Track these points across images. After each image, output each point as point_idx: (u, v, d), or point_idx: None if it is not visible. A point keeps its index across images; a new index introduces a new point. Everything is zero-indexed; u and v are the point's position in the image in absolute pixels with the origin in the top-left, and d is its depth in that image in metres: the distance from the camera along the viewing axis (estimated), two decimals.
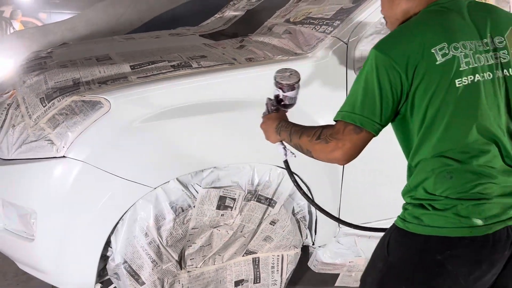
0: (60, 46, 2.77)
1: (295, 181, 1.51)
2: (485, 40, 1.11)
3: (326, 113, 1.57)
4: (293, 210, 1.93)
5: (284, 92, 1.41)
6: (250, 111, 1.73)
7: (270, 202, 1.83)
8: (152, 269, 1.67)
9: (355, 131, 1.09)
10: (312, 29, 2.06)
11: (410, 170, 1.17)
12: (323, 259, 2.10)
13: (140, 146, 1.60)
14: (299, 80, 1.42)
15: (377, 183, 2.02)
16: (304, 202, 1.94)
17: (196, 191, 1.70)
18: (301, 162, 1.66)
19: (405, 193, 1.18)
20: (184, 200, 1.68)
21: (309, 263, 2.18)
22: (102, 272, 1.75)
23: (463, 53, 1.06)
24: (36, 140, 1.60)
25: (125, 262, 1.65)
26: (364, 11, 1.95)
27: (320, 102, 1.81)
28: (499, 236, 1.06)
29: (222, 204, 1.73)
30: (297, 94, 1.44)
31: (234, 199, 1.75)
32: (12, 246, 1.74)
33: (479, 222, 1.05)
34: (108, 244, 1.67)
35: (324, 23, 2.05)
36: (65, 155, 1.56)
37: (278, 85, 1.41)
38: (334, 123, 1.15)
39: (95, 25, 5.00)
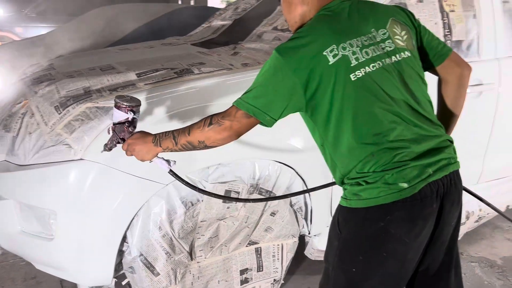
0: (58, 58, 2.87)
1: (187, 183, 1.57)
2: (369, 35, 1.29)
3: None
4: (290, 202, 2.09)
5: (134, 114, 1.46)
6: None
7: (270, 195, 1.99)
8: (166, 260, 1.80)
9: (246, 116, 1.27)
10: None
11: (333, 161, 1.33)
12: (318, 247, 2.26)
13: None
14: (139, 102, 1.50)
15: None
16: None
17: (204, 187, 1.84)
18: (299, 159, 1.86)
19: (339, 179, 1.35)
20: (193, 195, 1.82)
21: (305, 252, 2.34)
22: (117, 267, 1.87)
23: (351, 51, 1.24)
24: (54, 145, 1.71)
25: (141, 255, 1.77)
26: None
27: None
28: (424, 193, 1.24)
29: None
30: (139, 117, 1.51)
31: (238, 193, 1.90)
32: (31, 247, 1.83)
33: (404, 185, 1.23)
34: (123, 239, 1.79)
35: None
36: (82, 158, 1.68)
37: (128, 108, 1.45)
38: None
39: (78, 38, 5.09)
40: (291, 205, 2.09)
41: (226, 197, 1.83)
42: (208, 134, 1.31)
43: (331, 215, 2.24)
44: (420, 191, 1.24)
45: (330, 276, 1.38)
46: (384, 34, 1.31)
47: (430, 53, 1.45)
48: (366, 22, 1.32)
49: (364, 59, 1.26)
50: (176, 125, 1.78)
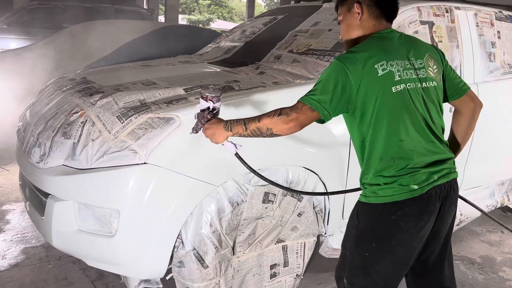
0: (83, 72, 3.03)
1: (249, 167, 1.83)
2: (410, 61, 1.63)
3: (337, 123, 2.09)
4: (313, 204, 2.38)
5: (214, 103, 1.78)
6: None
7: (299, 197, 2.26)
8: (215, 254, 2.03)
9: (310, 109, 1.56)
10: (316, 58, 2.57)
11: (368, 159, 1.63)
12: (333, 246, 2.55)
13: (206, 153, 1.97)
14: (222, 93, 1.82)
15: None
16: (321, 197, 2.39)
17: (247, 189, 2.09)
18: (317, 159, 2.15)
19: (362, 177, 1.69)
20: (239, 196, 2.07)
21: (320, 250, 2.62)
22: None
23: (396, 69, 1.58)
24: (119, 151, 1.91)
25: (194, 249, 1.99)
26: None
27: None
28: (430, 194, 1.59)
29: (266, 198, 2.14)
30: (219, 106, 1.81)
31: (275, 195, 2.16)
32: (88, 244, 2.00)
33: (415, 187, 1.57)
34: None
35: (326, 53, 2.56)
36: (146, 162, 1.89)
37: (210, 98, 1.76)
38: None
39: (66, 50, 5.19)
40: (314, 207, 2.37)
41: (291, 189, 2.14)
42: (276, 122, 1.58)
43: (343, 218, 2.55)
44: (427, 192, 1.57)
45: (347, 259, 1.69)
46: (420, 63, 1.66)
47: (451, 87, 1.80)
48: (409, 51, 1.66)
49: (404, 78, 1.59)
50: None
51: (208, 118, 1.77)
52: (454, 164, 1.70)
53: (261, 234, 2.21)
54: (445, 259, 1.78)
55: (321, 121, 1.61)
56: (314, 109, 1.55)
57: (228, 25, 27.85)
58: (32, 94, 3.16)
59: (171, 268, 2.09)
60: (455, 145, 1.89)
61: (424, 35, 2.74)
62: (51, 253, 2.78)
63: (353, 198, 2.49)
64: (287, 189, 2.07)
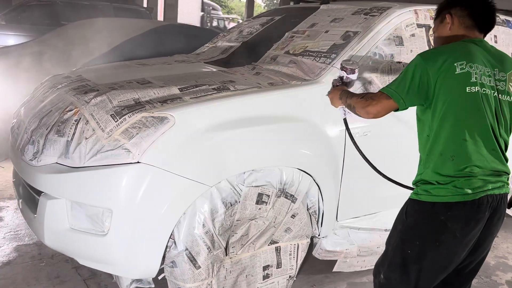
0: (79, 69, 3.02)
1: (350, 134, 2.19)
2: (492, 71, 1.66)
3: (331, 125, 2.31)
4: (307, 206, 2.37)
5: (347, 74, 2.11)
6: (278, 125, 2.18)
7: (292, 198, 2.26)
8: (207, 254, 2.02)
9: (386, 97, 1.69)
10: (312, 60, 2.56)
11: (430, 153, 1.66)
12: (326, 247, 2.55)
13: (200, 153, 1.96)
14: (358, 67, 2.14)
15: (369, 183, 2.54)
16: (315, 198, 2.39)
17: (240, 189, 2.09)
18: (312, 161, 2.16)
19: (419, 174, 1.71)
20: (232, 197, 2.06)
21: (313, 252, 2.62)
22: None
23: (475, 71, 1.61)
24: (112, 149, 1.90)
25: (187, 249, 1.98)
26: (353, 46, 2.50)
27: (324, 114, 2.31)
28: (482, 201, 1.60)
29: (260, 199, 2.14)
30: (355, 78, 2.14)
31: (268, 196, 2.16)
32: (80, 242, 1.99)
33: (469, 191, 1.58)
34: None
35: (322, 55, 2.56)
36: (139, 161, 1.88)
37: (343, 68, 2.12)
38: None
39: (62, 48, 5.18)
40: (308, 209, 2.37)
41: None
42: (358, 103, 1.82)
43: (337, 220, 2.55)
44: (479, 199, 1.58)
45: (388, 255, 1.71)
46: (503, 76, 1.67)
47: None
48: (494, 62, 1.68)
49: (481, 82, 1.61)
50: (221, 136, 2.02)
51: (337, 85, 2.14)
52: (508, 180, 1.69)
53: (254, 235, 2.21)
54: (474, 275, 1.79)
55: (396, 110, 1.71)
56: (390, 97, 1.67)
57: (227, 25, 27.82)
58: (28, 91, 3.15)
59: (163, 268, 2.08)
60: None
61: (420, 38, 2.74)
62: (44, 252, 2.77)
63: (347, 201, 2.52)
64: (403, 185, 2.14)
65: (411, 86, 1.63)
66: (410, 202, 1.71)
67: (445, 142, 1.60)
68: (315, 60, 2.55)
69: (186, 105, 2.01)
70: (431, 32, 2.79)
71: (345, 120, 2.16)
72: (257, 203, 2.13)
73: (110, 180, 1.89)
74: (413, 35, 2.71)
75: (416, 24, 2.72)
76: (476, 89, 1.60)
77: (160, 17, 16.24)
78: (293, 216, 2.30)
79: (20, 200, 2.34)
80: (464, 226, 1.59)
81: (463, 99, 1.59)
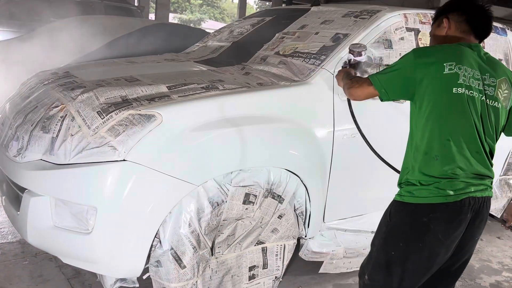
0: (66, 66, 2.99)
1: (353, 116, 2.26)
2: (482, 75, 1.66)
3: (319, 126, 2.33)
4: (294, 206, 2.37)
5: (354, 56, 2.24)
6: (266, 125, 2.18)
7: (280, 199, 2.26)
8: (193, 254, 2.00)
9: (368, 84, 1.76)
10: (302, 61, 2.56)
11: (415, 153, 1.67)
12: (313, 249, 2.55)
13: (187, 152, 1.95)
14: (365, 50, 2.25)
15: (357, 185, 2.54)
16: (302, 199, 2.39)
17: (227, 189, 2.08)
18: (299, 162, 2.16)
19: (403, 175, 1.71)
20: (219, 196, 2.05)
21: (300, 253, 2.62)
22: None
23: (463, 74, 1.62)
24: (98, 147, 1.88)
25: (172, 248, 1.97)
26: (343, 49, 2.50)
27: (313, 115, 2.33)
28: (463, 203, 1.61)
29: (247, 199, 2.13)
30: (362, 60, 2.26)
31: (255, 196, 2.15)
32: (64, 241, 1.96)
33: (451, 193, 1.59)
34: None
35: (312, 57, 2.56)
36: (125, 159, 1.86)
37: (351, 51, 2.25)
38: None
39: (50, 45, 5.13)
40: (295, 210, 2.37)
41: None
42: (346, 84, 1.95)
43: (324, 221, 2.55)
44: (461, 200, 1.59)
45: (373, 256, 1.72)
46: (492, 82, 1.68)
47: None
48: (486, 66, 1.68)
49: (468, 84, 1.62)
50: (208, 135, 2.01)
51: (345, 67, 2.27)
52: (491, 184, 1.70)
53: (241, 235, 2.20)
54: (458, 277, 1.81)
55: (381, 99, 1.76)
56: (371, 84, 1.73)
57: (219, 26, 27.77)
58: (14, 87, 3.11)
59: (148, 267, 2.06)
60: None
61: (409, 42, 2.76)
62: (27, 250, 2.73)
63: (334, 202, 2.52)
64: None
65: (396, 78, 1.68)
66: (394, 204, 1.72)
67: (429, 142, 1.62)
68: (305, 61, 2.55)
69: (174, 103, 1.99)
70: (420, 36, 2.81)
71: (348, 101, 2.26)
72: (244, 203, 2.12)
73: (96, 177, 1.87)
74: (402, 38, 2.73)
75: (405, 27, 2.73)
76: (463, 90, 1.61)
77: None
78: (280, 216, 2.30)
79: (3, 197, 2.30)
80: (447, 227, 1.60)
81: (449, 99, 1.60)
